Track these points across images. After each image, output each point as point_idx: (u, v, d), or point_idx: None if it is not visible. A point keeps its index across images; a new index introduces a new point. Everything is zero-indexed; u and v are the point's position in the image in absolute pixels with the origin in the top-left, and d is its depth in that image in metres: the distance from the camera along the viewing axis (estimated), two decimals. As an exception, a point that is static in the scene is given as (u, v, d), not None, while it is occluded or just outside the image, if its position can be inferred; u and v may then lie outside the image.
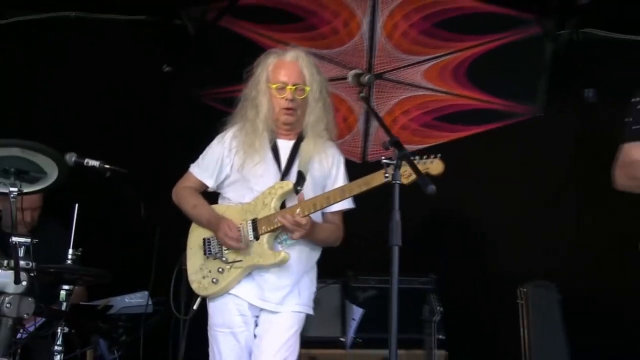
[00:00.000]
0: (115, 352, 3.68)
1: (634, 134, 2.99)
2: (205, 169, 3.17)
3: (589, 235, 5.17)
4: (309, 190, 3.05)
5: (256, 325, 3.04)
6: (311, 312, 3.14)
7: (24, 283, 2.92)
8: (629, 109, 3.08)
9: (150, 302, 3.88)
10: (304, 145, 3.10)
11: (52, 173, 3.04)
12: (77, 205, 3.69)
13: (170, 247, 4.07)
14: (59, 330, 3.37)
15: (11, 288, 2.89)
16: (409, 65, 5.11)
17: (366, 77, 2.81)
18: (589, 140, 5.34)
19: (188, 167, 3.54)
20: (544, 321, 4.79)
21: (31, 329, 3.35)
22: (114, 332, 3.69)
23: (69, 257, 3.61)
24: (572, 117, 5.39)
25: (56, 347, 3.35)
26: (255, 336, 3.04)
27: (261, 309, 3.02)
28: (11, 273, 2.90)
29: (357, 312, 4.21)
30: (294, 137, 3.13)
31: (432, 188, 2.21)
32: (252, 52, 4.96)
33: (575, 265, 5.13)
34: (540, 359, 4.69)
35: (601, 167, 5.01)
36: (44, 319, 3.34)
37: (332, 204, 2.96)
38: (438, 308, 4.29)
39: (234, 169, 3.10)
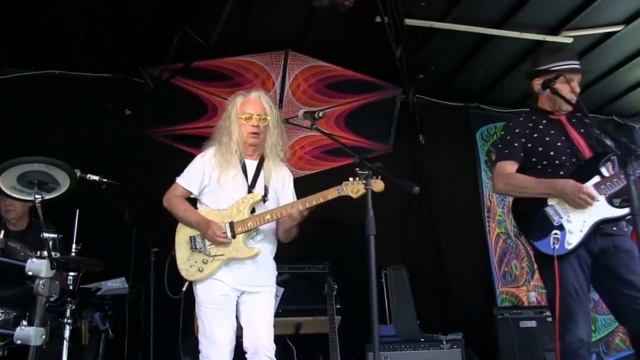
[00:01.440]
0: (107, 323, 3.61)
1: (504, 156, 3.10)
2: (190, 179, 3.08)
3: (425, 234, 5.74)
4: (270, 200, 3.08)
5: (237, 303, 2.97)
6: (276, 291, 3.13)
7: (54, 270, 2.90)
8: (500, 139, 3.20)
9: (126, 285, 3.87)
10: (265, 164, 3.10)
11: (64, 184, 3.00)
12: (77, 210, 3.65)
13: (142, 244, 4.11)
14: (67, 307, 3.31)
15: (44, 273, 2.84)
16: None
17: (321, 113, 2.85)
18: (422, 167, 5.86)
19: (145, 183, 3.57)
20: (399, 292, 5.22)
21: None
22: (106, 307, 3.63)
23: (73, 250, 3.55)
24: (410, 153, 5.84)
25: (66, 320, 3.29)
26: (239, 313, 2.98)
27: (242, 291, 2.97)
28: (43, 261, 2.87)
29: (279, 291, 4.30)
30: (257, 157, 3.11)
31: (416, 189, 2.34)
32: (193, 102, 5.14)
33: (418, 254, 5.64)
34: (398, 317, 5.06)
35: (431, 188, 5.67)
36: (57, 296, 3.23)
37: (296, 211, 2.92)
38: (335, 286, 4.34)
39: (212, 180, 3.03)
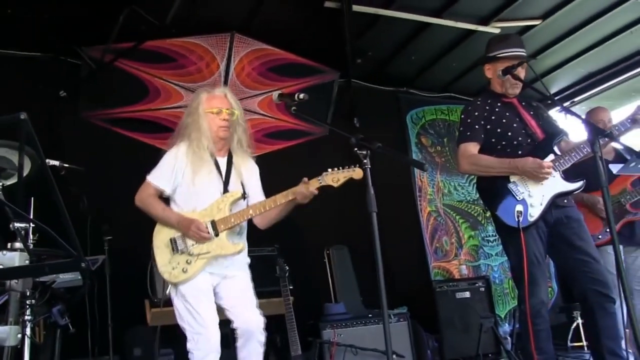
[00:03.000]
0: (66, 318, 3.45)
1: (467, 137, 3.30)
2: (162, 178, 2.99)
3: (363, 214, 5.93)
4: (249, 197, 3.10)
5: (216, 292, 2.96)
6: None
7: (27, 262, 2.74)
8: (461, 122, 3.39)
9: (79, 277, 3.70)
10: (235, 160, 3.10)
11: (24, 169, 2.86)
12: (32, 198, 3.43)
13: (97, 233, 3.97)
14: (27, 302, 3.12)
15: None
16: (249, 97, 5.28)
17: (301, 95, 2.78)
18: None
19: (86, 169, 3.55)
20: (342, 271, 5.37)
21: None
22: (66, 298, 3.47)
23: (30, 242, 3.35)
24: (345, 136, 6.03)
25: (27, 317, 3.10)
26: (219, 299, 2.96)
27: (221, 278, 2.97)
28: (15, 254, 2.70)
29: None
30: (225, 153, 3.10)
31: (426, 167, 2.45)
32: (133, 84, 4.94)
33: (357, 234, 5.79)
34: (343, 295, 5.20)
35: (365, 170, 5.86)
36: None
37: (278, 204, 2.96)
38: (286, 267, 4.36)
39: (186, 179, 2.97)
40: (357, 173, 2.85)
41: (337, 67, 5.70)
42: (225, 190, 3.03)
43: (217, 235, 2.93)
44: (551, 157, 3.16)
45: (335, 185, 2.89)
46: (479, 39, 5.43)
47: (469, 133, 3.31)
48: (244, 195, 3.05)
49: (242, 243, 3.01)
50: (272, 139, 5.57)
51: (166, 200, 3.07)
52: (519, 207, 3.09)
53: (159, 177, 3.01)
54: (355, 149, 2.53)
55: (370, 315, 4.82)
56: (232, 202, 3.01)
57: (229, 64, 5.07)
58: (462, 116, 3.40)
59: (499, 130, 3.25)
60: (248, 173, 3.15)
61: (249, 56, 5.18)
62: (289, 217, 5.28)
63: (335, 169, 2.89)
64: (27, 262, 2.76)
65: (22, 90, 4.62)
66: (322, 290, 5.24)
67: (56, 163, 3.26)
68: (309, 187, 2.90)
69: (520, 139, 3.23)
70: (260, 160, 5.37)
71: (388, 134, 6.21)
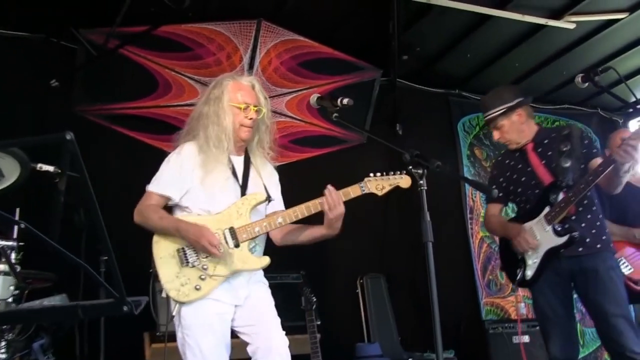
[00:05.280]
0: (50, 355, 3.27)
1: (489, 199, 3.73)
2: (168, 183, 2.83)
3: (403, 238, 5.73)
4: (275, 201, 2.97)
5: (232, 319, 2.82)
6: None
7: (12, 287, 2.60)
8: (489, 180, 3.84)
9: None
10: (253, 160, 2.98)
11: (11, 175, 2.71)
12: (18, 210, 3.26)
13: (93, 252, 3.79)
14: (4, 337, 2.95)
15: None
16: (276, 96, 5.14)
17: (345, 100, 2.73)
18: (398, 162, 5.92)
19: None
20: (378, 304, 5.23)
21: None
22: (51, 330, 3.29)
23: (12, 261, 3.17)
24: (386, 145, 5.87)
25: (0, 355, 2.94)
26: (235, 324, 2.83)
27: (236, 305, 2.81)
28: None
29: None
30: (242, 152, 2.98)
31: (495, 192, 2.66)
32: (140, 76, 4.80)
33: (396, 261, 5.65)
34: (379, 334, 5.06)
35: (408, 190, 5.66)
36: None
37: (312, 214, 2.83)
38: (313, 298, 4.17)
39: (196, 182, 2.82)
40: (404, 181, 2.89)
41: (379, 64, 5.57)
42: (244, 193, 2.88)
43: (237, 246, 2.77)
44: (546, 210, 3.38)
45: (380, 193, 2.86)
46: (549, 35, 5.28)
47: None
48: (268, 198, 2.91)
49: (268, 258, 2.86)
50: (299, 145, 5.45)
51: (169, 210, 2.90)
52: (520, 266, 3.48)
53: (162, 183, 2.85)
54: (410, 167, 2.48)
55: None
56: (255, 206, 2.86)
57: (253, 56, 4.92)
58: (488, 175, 3.95)
59: (511, 187, 3.58)
60: (267, 177, 3.01)
61: (277, 48, 5.02)
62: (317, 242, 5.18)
63: (379, 174, 2.88)
64: (11, 287, 2.60)
65: (5, 76, 4.49)
66: (353, 327, 5.13)
67: (50, 168, 3.10)
68: (340, 195, 2.77)
69: (529, 192, 3.50)
70: (283, 170, 5.25)
71: (435, 144, 6.07)
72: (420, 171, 2.43)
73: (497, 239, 5.87)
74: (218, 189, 2.83)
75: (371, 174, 2.85)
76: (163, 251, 2.78)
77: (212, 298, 2.75)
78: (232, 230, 2.78)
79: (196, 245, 2.72)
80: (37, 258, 3.39)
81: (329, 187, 2.78)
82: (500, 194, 3.55)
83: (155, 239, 2.81)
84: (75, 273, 3.49)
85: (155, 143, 4.85)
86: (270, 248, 3.06)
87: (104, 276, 3.83)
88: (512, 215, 3.82)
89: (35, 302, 3.45)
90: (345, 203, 2.79)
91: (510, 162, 3.61)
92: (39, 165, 3.06)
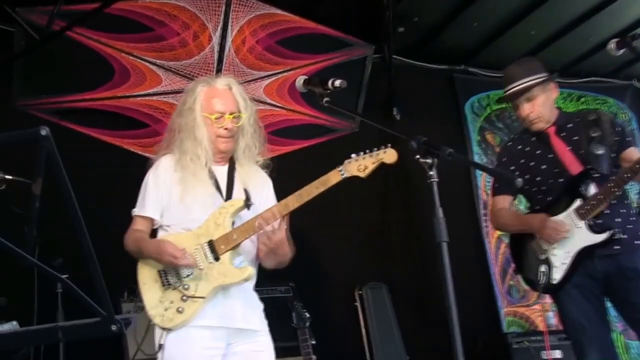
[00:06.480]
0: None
1: (495, 190, 3.72)
2: (147, 204, 2.99)
3: (407, 241, 5.75)
4: (255, 205, 3.01)
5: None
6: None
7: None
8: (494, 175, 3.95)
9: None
10: (238, 169, 3.08)
11: None
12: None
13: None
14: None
15: None
16: (252, 80, 5.14)
17: (337, 82, 2.71)
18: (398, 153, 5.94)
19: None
20: (380, 318, 5.20)
21: None
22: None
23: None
24: (381, 133, 5.88)
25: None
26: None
27: (229, 342, 2.88)
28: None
29: None
30: (226, 162, 3.08)
31: (519, 181, 2.62)
32: (93, 62, 4.77)
33: (399, 268, 5.65)
34: (381, 352, 5.04)
35: (410, 186, 5.70)
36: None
37: (290, 210, 2.88)
38: (306, 314, 4.22)
39: (173, 200, 2.96)
40: (389, 155, 2.83)
41: (371, 38, 5.57)
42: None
43: (217, 259, 2.86)
44: (577, 203, 3.38)
45: (363, 175, 2.84)
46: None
47: (497, 184, 3.73)
48: (247, 203, 2.96)
49: (251, 268, 2.91)
50: (281, 137, 5.44)
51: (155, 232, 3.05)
52: (543, 268, 3.46)
53: (144, 205, 3.01)
54: (417, 156, 2.41)
55: (421, 383, 4.65)
56: (234, 214, 2.94)
57: (224, 35, 4.91)
58: (495, 162, 3.93)
59: (527, 176, 3.54)
60: (255, 184, 3.09)
61: (252, 24, 5.03)
62: (308, 246, 5.16)
63: (361, 153, 2.86)
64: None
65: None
66: (353, 346, 5.13)
67: None
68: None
69: (550, 181, 3.50)
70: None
71: (439, 130, 6.07)
72: (429, 161, 2.38)
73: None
74: (198, 205, 2.93)
75: (353, 155, 2.85)
76: (146, 276, 2.93)
77: (200, 325, 2.81)
78: (210, 244, 2.87)
79: (164, 263, 2.84)
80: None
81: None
82: (521, 179, 3.46)
83: (140, 264, 2.96)
84: (28, 295, 3.50)
85: (113, 140, 4.85)
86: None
87: (60, 299, 3.85)
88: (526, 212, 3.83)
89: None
90: (328, 191, 2.81)
91: (524, 148, 3.61)
92: (-18, 171, 3.05)
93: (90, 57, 4.74)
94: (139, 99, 4.95)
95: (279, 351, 4.41)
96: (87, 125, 4.82)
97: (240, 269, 2.88)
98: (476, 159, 6.17)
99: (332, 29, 5.37)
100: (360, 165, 2.82)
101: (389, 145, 2.83)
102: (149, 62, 4.89)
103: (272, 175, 3.18)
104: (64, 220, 3.03)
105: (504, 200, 3.65)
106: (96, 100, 4.83)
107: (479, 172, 6.19)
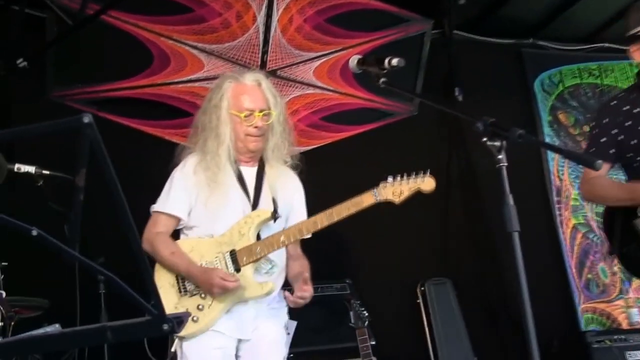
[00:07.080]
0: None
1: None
2: (176, 202, 3.06)
3: (473, 233, 5.72)
4: (282, 218, 3.11)
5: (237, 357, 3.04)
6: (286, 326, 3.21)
7: None
8: (589, 132, 3.58)
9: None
10: (268, 171, 3.14)
11: None
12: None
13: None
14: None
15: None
16: (300, 62, 5.18)
17: (394, 60, 2.64)
18: (460, 136, 5.92)
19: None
20: (445, 316, 5.20)
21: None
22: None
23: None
24: (443, 115, 5.82)
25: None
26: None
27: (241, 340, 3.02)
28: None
29: (291, 325, 4.15)
30: (256, 163, 3.14)
31: (599, 163, 2.48)
32: (130, 47, 4.84)
33: (465, 261, 5.63)
34: (447, 353, 5.06)
35: (475, 167, 5.67)
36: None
37: (319, 229, 2.99)
38: (365, 313, 4.23)
39: (199, 203, 3.05)
40: (427, 184, 2.90)
41: (429, 13, 5.58)
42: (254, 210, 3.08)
43: (237, 270, 2.96)
44: None
45: (397, 200, 2.91)
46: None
47: (592, 149, 3.41)
48: (274, 215, 3.05)
49: (272, 282, 3.00)
50: (334, 123, 5.49)
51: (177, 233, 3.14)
52: None
53: (170, 203, 3.08)
54: (485, 138, 2.34)
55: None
56: (259, 225, 3.04)
57: (270, 14, 4.97)
58: (592, 124, 3.56)
59: (633, 142, 3.29)
60: (284, 189, 3.16)
61: (299, 1, 5.08)
62: (365, 239, 5.19)
63: (398, 177, 2.93)
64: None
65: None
66: (416, 347, 5.16)
67: (31, 169, 3.21)
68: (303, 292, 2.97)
69: None
70: (315, 155, 5.29)
71: (504, 110, 6.01)
72: (497, 143, 2.32)
73: (594, 225, 5.95)
74: (223, 209, 3.03)
75: (389, 178, 2.91)
76: (163, 280, 3.04)
77: (213, 329, 2.95)
78: (232, 254, 2.97)
79: (211, 290, 2.90)
80: (23, 280, 3.52)
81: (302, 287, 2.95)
82: (613, 150, 3.30)
83: (157, 266, 3.06)
84: (71, 297, 3.58)
85: (154, 131, 4.94)
86: (306, 251, 3.18)
87: (103, 300, 3.95)
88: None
89: (23, 335, 3.58)
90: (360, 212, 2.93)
91: (633, 109, 3.32)
92: (17, 166, 3.15)
93: (127, 42, 4.82)
94: (180, 86, 5.00)
95: (336, 353, 4.50)
96: (126, 115, 4.91)
97: (261, 284, 2.97)
98: (548, 140, 6.06)
99: (387, 4, 5.39)
100: (396, 190, 2.91)
101: (428, 171, 2.88)
102: (189, 46, 4.95)
103: (301, 176, 3.22)
104: (103, 217, 3.14)
105: (601, 169, 3.33)
106: (135, 88, 4.92)
107: (550, 156, 6.10)
